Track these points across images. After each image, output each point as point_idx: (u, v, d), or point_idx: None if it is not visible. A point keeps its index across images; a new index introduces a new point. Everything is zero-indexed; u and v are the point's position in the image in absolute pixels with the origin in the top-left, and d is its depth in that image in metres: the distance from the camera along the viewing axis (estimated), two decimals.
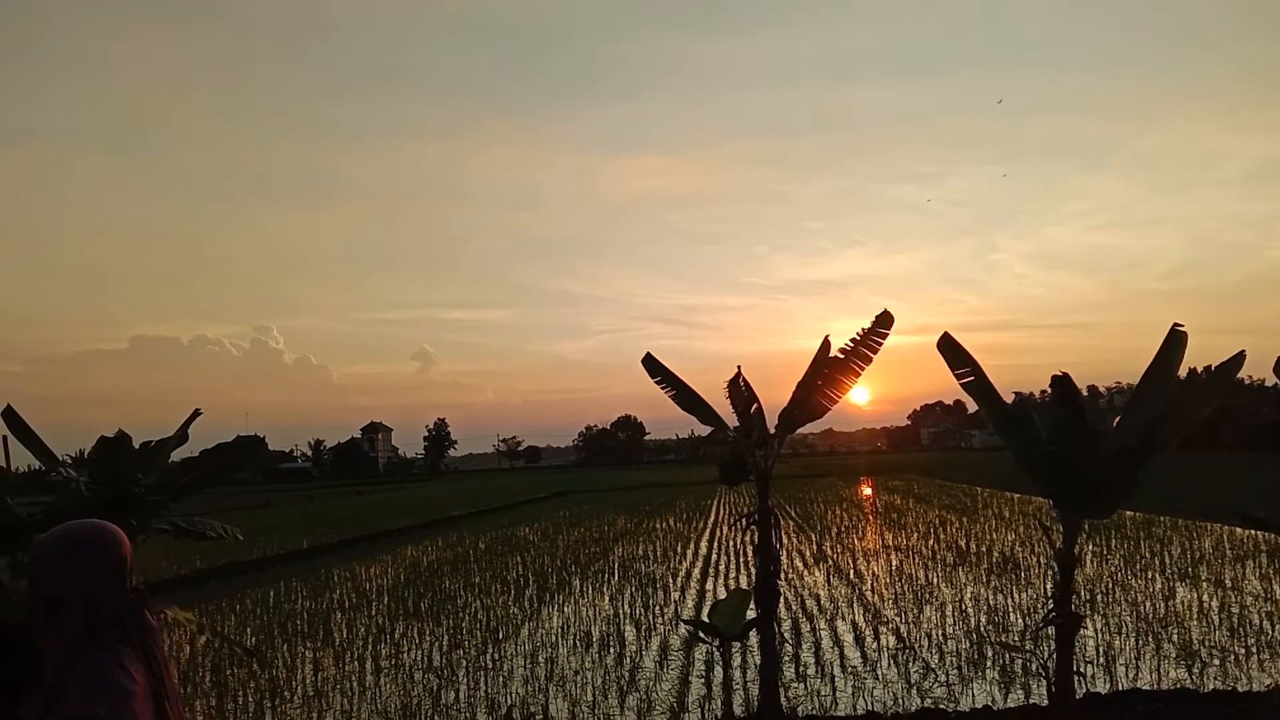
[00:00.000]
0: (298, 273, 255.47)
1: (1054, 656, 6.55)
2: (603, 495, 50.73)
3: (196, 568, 20.97)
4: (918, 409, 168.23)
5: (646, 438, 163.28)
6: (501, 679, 9.75)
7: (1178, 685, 7.91)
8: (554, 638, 11.67)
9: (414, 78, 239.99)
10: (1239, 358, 6.29)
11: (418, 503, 50.98)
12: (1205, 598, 11.85)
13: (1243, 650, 9.17)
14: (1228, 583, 12.92)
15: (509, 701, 8.74)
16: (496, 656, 10.79)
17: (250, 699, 9.38)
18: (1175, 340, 6.54)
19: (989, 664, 9.24)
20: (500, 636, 11.94)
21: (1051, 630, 6.60)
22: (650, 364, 7.38)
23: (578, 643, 11.29)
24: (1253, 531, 17.64)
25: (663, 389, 7.26)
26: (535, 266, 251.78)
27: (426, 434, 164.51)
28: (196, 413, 6.78)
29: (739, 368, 7.02)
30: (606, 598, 14.54)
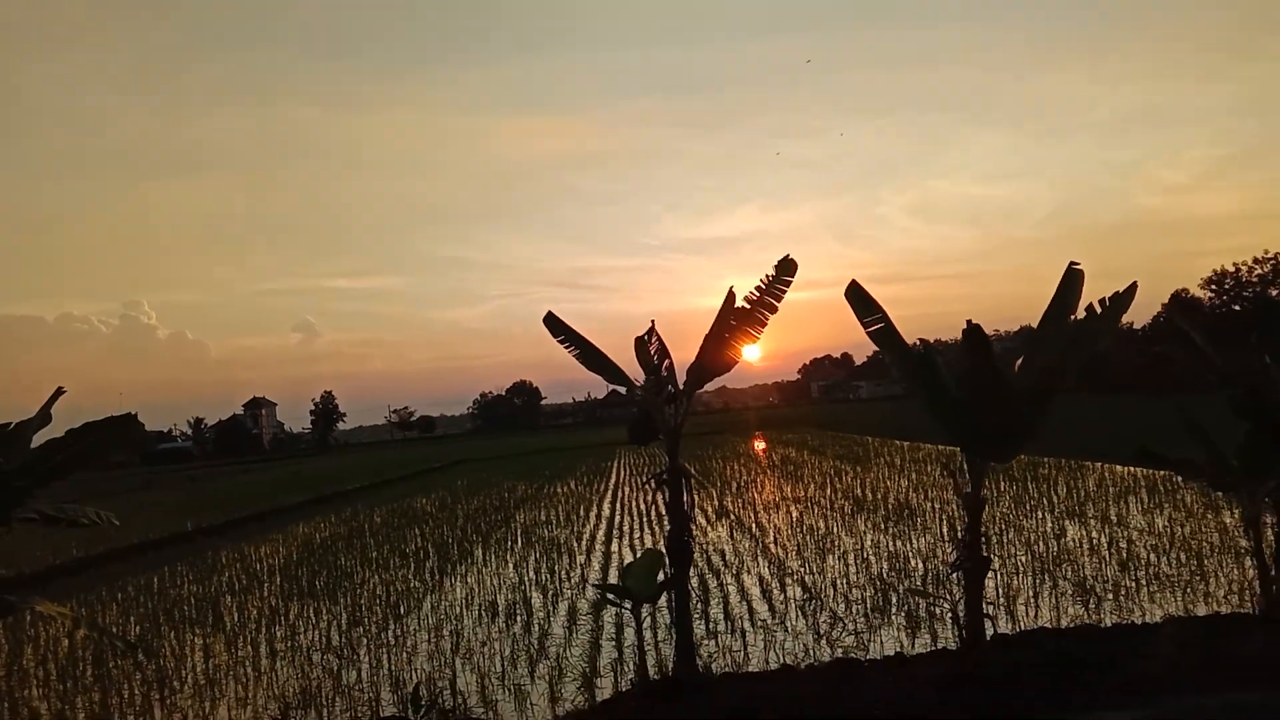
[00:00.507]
0: (170, 245, 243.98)
1: (962, 600, 6.61)
2: (501, 462, 50.23)
3: (74, 556, 19.84)
4: (808, 363, 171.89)
5: (543, 402, 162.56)
6: (405, 655, 9.42)
7: (1079, 622, 8.13)
8: (458, 609, 11.37)
9: (293, 38, 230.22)
10: (1131, 289, 6.38)
11: (307, 479, 49.58)
12: (1094, 534, 12.29)
13: (1133, 583, 9.51)
14: (1113, 519, 13.45)
15: (414, 678, 8.44)
16: (399, 632, 10.44)
17: (137, 692, 8.83)
18: (1073, 279, 6.60)
19: (894, 610, 9.36)
20: (402, 611, 11.57)
21: (958, 574, 6.66)
22: (552, 323, 7.10)
23: (483, 613, 11.02)
24: (1131, 469, 18.48)
25: (566, 348, 7.00)
26: (426, 232, 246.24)
27: (313, 408, 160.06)
28: (59, 391, 6.23)
29: (653, 323, 6.83)
30: (511, 565, 14.29)
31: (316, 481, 44.73)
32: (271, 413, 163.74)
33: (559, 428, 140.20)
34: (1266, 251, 58.32)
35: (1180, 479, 14.11)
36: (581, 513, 20.87)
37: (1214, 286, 59.72)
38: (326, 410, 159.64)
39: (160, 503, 38.11)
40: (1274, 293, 57.09)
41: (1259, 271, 58.38)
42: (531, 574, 13.27)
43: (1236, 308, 56.33)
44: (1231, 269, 59.49)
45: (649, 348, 6.86)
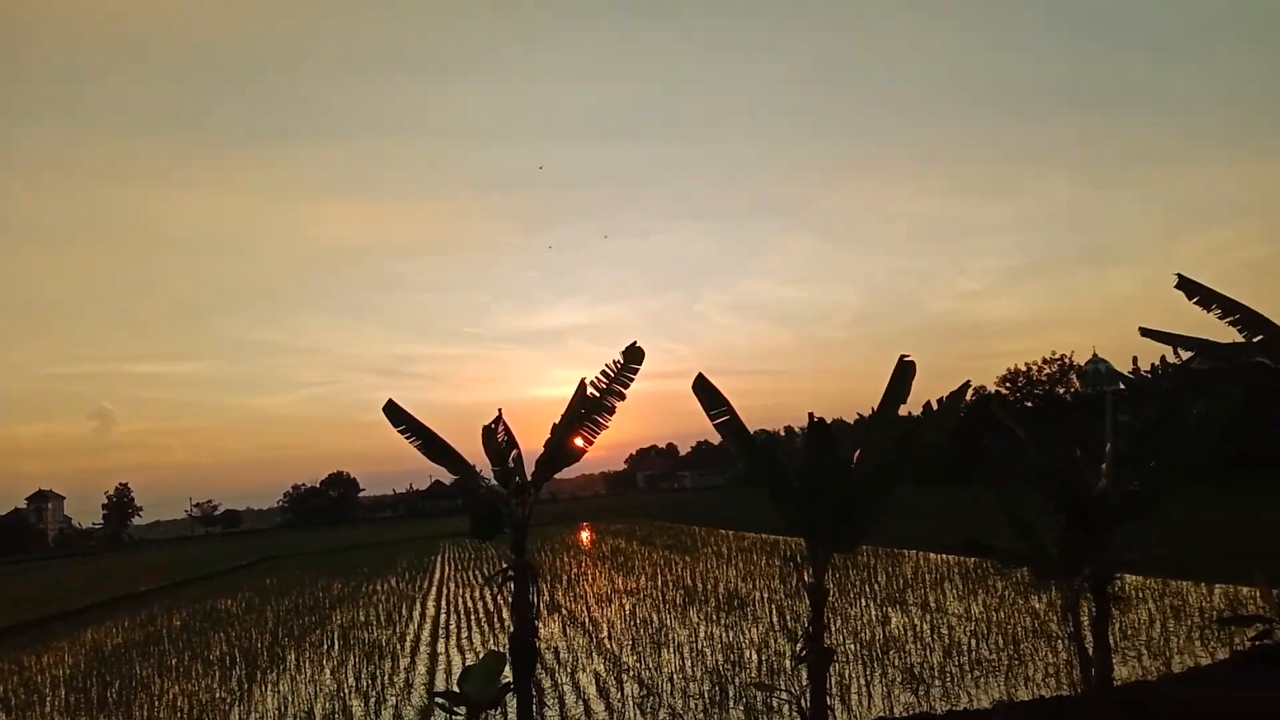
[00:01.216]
0: None
1: (806, 692, 6.59)
2: (315, 558, 47.60)
3: None
4: (634, 453, 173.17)
5: (361, 495, 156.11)
6: None
7: (910, 710, 8.27)
8: None
9: (101, 112, 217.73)
10: (964, 388, 6.71)
11: (98, 579, 45.44)
12: (917, 621, 12.68)
13: (957, 669, 9.81)
14: (933, 605, 13.94)
15: None
16: None
17: None
18: (905, 371, 6.88)
19: (732, 703, 9.27)
20: None
21: (800, 665, 6.66)
22: (393, 412, 6.78)
23: None
24: (944, 556, 19.32)
25: (407, 438, 6.69)
26: (237, 316, 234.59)
27: (106, 501, 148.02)
28: None
29: (500, 411, 6.63)
30: (327, 671, 13.37)
31: (108, 582, 41.03)
32: (59, 506, 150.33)
33: (378, 521, 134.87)
34: (1054, 352, 63.72)
35: (999, 567, 14.82)
36: (404, 611, 19.91)
37: (1008, 384, 64.43)
38: (121, 504, 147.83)
39: None
40: (1061, 391, 62.11)
41: (1047, 371, 63.50)
42: (351, 679, 12.44)
43: (1029, 404, 60.84)
44: (1023, 368, 64.45)
45: (497, 437, 6.65)
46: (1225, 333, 8.40)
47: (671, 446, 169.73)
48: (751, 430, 6.90)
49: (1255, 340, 7.24)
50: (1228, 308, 7.30)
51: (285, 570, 39.94)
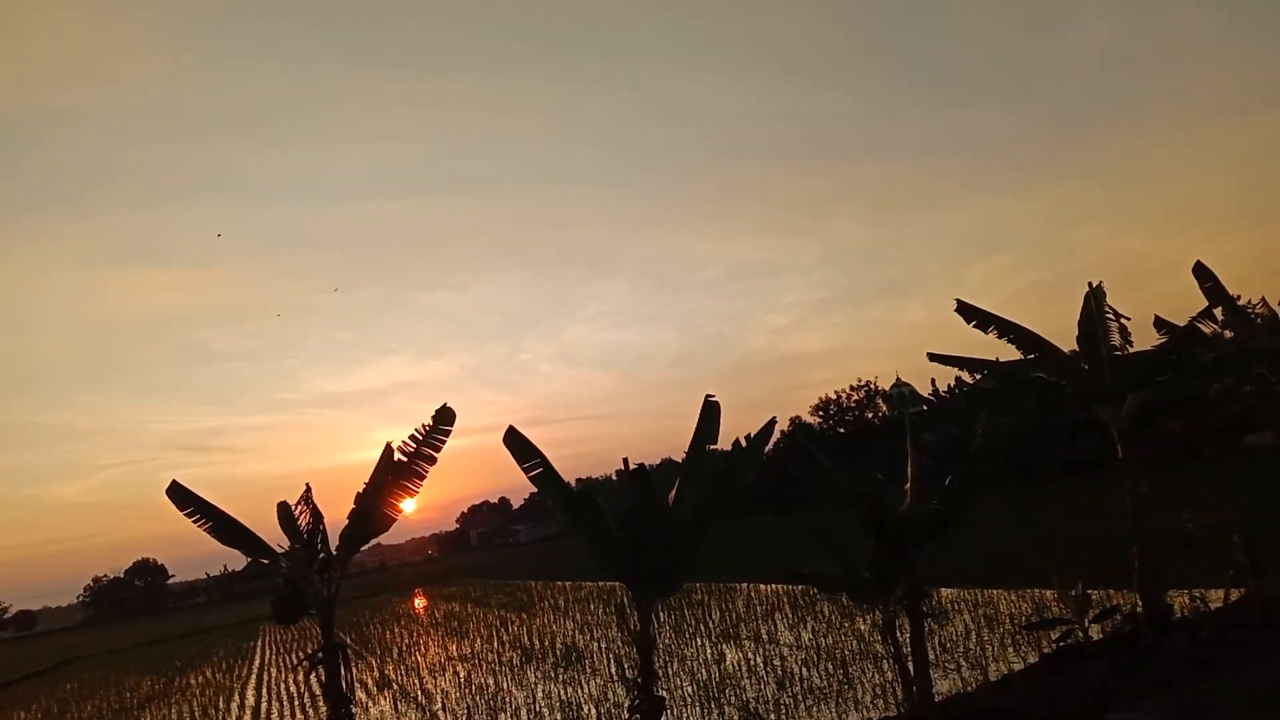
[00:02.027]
0: None
1: None
2: (121, 656, 43.82)
3: None
4: (465, 511, 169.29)
5: (170, 581, 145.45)
6: None
7: None
8: None
9: None
10: (770, 424, 6.84)
11: None
12: (750, 655, 12.81)
13: (791, 700, 9.94)
14: (765, 637, 14.15)
15: None
16: None
17: None
18: (710, 411, 6.97)
19: None
20: None
21: (635, 717, 6.55)
22: (178, 494, 6.27)
23: None
24: (774, 586, 19.70)
25: (195, 521, 6.19)
26: (19, 399, 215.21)
27: None
28: None
29: (307, 485, 6.22)
30: None
31: None
32: None
33: (191, 608, 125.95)
34: (860, 380, 67.11)
35: (820, 593, 15.20)
36: (221, 705, 18.53)
37: (821, 412, 67.27)
38: None
39: None
40: (869, 415, 65.33)
41: (855, 397, 66.72)
42: None
43: (841, 430, 63.59)
44: (834, 396, 67.44)
45: (295, 513, 6.25)
46: (1013, 351, 9.04)
47: (504, 500, 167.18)
48: (584, 476, 6.81)
49: (1030, 357, 7.78)
50: (1003, 328, 7.82)
51: (88, 672, 36.55)
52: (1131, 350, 8.96)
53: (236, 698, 19.31)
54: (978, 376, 10.11)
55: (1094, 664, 7.95)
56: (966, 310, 8.13)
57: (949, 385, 51.28)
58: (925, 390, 60.62)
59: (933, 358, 8.75)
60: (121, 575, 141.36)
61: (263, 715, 16.15)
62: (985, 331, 8.01)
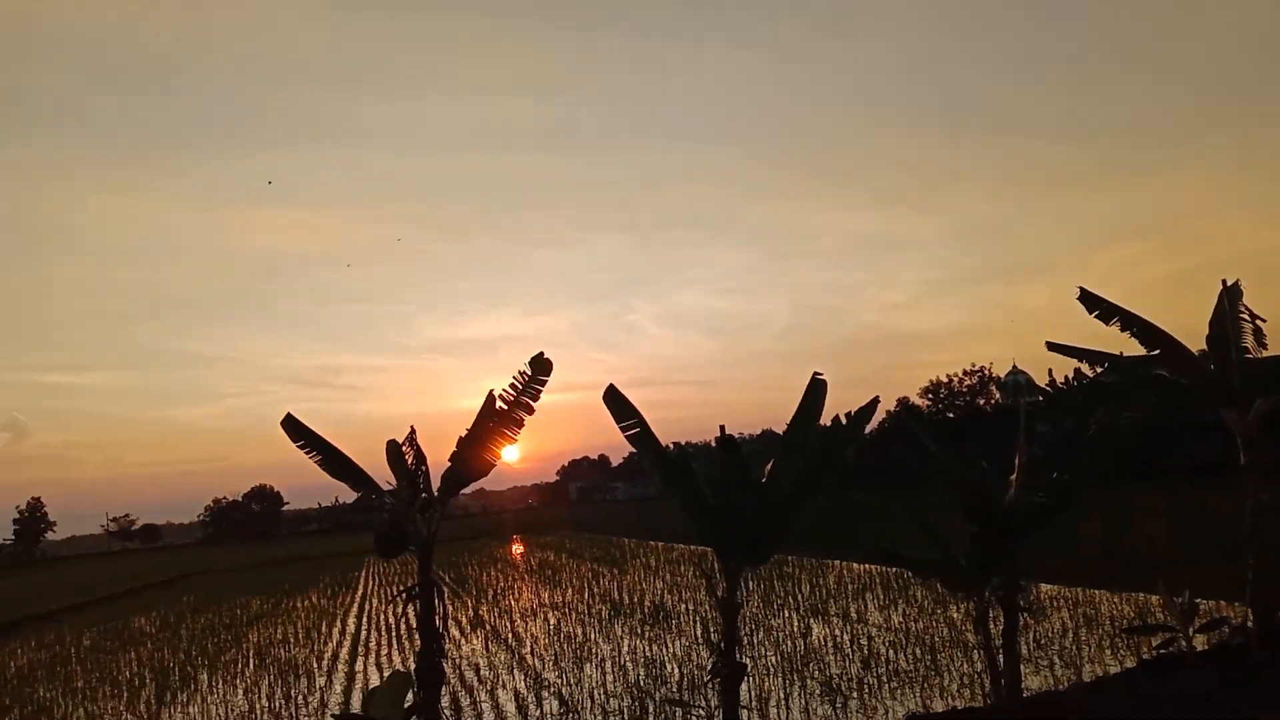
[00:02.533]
0: None
1: (719, 707, 6.54)
2: (235, 575, 46.35)
3: None
4: (566, 465, 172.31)
5: (285, 509, 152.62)
6: None
7: None
8: None
9: (11, 112, 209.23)
10: (873, 403, 6.74)
11: (4, 597, 43.58)
12: (837, 632, 12.74)
13: (875, 681, 9.86)
14: (854, 615, 14.04)
15: None
16: None
17: None
18: (816, 387, 6.90)
19: (650, 719, 9.18)
20: None
21: (715, 680, 6.61)
22: (291, 426, 6.57)
23: None
24: (868, 566, 19.50)
25: (307, 454, 6.48)
26: (154, 325, 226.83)
27: (18, 516, 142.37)
28: None
29: (412, 428, 6.44)
30: (240, 691, 12.95)
31: (13, 601, 39.37)
32: None
33: (302, 535, 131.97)
34: (974, 364, 65.31)
35: (914, 577, 14.98)
36: (324, 629, 19.43)
37: (930, 395, 65.78)
38: (33, 519, 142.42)
39: None
40: (981, 401, 63.61)
41: (968, 382, 64.98)
42: (264, 700, 12.06)
43: (950, 415, 62.11)
44: (945, 379, 65.83)
45: (404, 453, 6.48)
46: (1136, 346, 8.66)
47: (604, 457, 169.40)
48: (682, 442, 6.85)
49: (1154, 354, 7.44)
50: (1127, 321, 7.49)
51: (203, 587, 38.80)
52: (1265, 354, 8.48)
53: (338, 624, 20.22)
54: (1098, 370, 9.70)
55: (1197, 675, 7.64)
56: (1090, 299, 7.81)
57: (1066, 377, 49.42)
58: (1042, 380, 58.57)
59: (1051, 347, 8.45)
60: (240, 499, 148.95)
61: (362, 642, 16.88)
62: (1107, 323, 7.69)
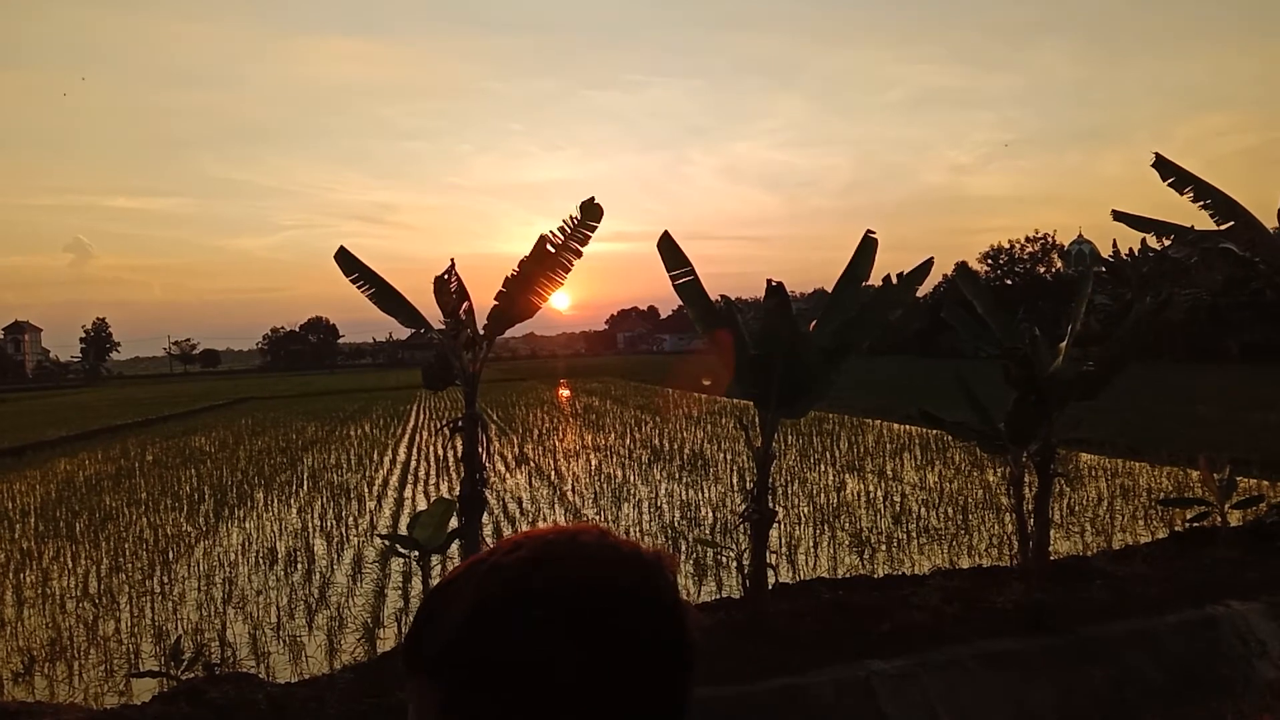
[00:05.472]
0: None
1: (749, 550, 6.76)
2: (290, 401, 48.05)
3: None
4: (615, 314, 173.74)
5: (340, 341, 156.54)
6: (171, 605, 8.79)
7: (854, 571, 8.53)
8: (234, 556, 10.72)
9: None
10: (926, 265, 6.63)
11: (73, 411, 45.77)
12: (871, 488, 12.97)
13: (904, 536, 10.09)
14: (889, 473, 14.25)
15: (180, 629, 7.87)
16: (166, 580, 9.74)
17: None
18: (867, 247, 6.79)
19: (683, 558, 9.52)
20: (170, 558, 10.81)
21: (745, 525, 6.80)
22: (344, 259, 6.66)
23: (260, 560, 10.44)
24: (907, 426, 19.65)
25: (359, 287, 6.58)
26: (217, 153, 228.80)
27: (84, 335, 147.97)
28: None
29: (452, 261, 6.48)
30: (294, 511, 13.62)
31: (83, 415, 41.34)
32: (36, 338, 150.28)
33: (356, 368, 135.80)
34: (1037, 231, 63.72)
35: (952, 439, 15.07)
36: (375, 457, 20.21)
37: (990, 261, 64.49)
38: (99, 339, 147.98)
39: None
40: (1042, 270, 62.34)
41: (1030, 250, 63.52)
42: (316, 520, 12.69)
43: (1009, 282, 61.04)
44: (1006, 245, 64.36)
45: (449, 288, 6.55)
46: (1205, 219, 8.33)
47: (653, 309, 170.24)
48: (731, 296, 6.85)
49: (1225, 227, 7.16)
50: (1201, 191, 7.19)
51: (261, 411, 40.29)
52: None
53: (390, 453, 21.00)
54: (1166, 241, 9.39)
55: (1226, 549, 7.70)
56: (1164, 166, 7.48)
57: (1131, 249, 48.07)
58: (1106, 251, 57.01)
59: (1117, 216, 8.17)
60: (297, 329, 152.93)
61: (411, 471, 17.56)
62: (1181, 193, 7.38)
